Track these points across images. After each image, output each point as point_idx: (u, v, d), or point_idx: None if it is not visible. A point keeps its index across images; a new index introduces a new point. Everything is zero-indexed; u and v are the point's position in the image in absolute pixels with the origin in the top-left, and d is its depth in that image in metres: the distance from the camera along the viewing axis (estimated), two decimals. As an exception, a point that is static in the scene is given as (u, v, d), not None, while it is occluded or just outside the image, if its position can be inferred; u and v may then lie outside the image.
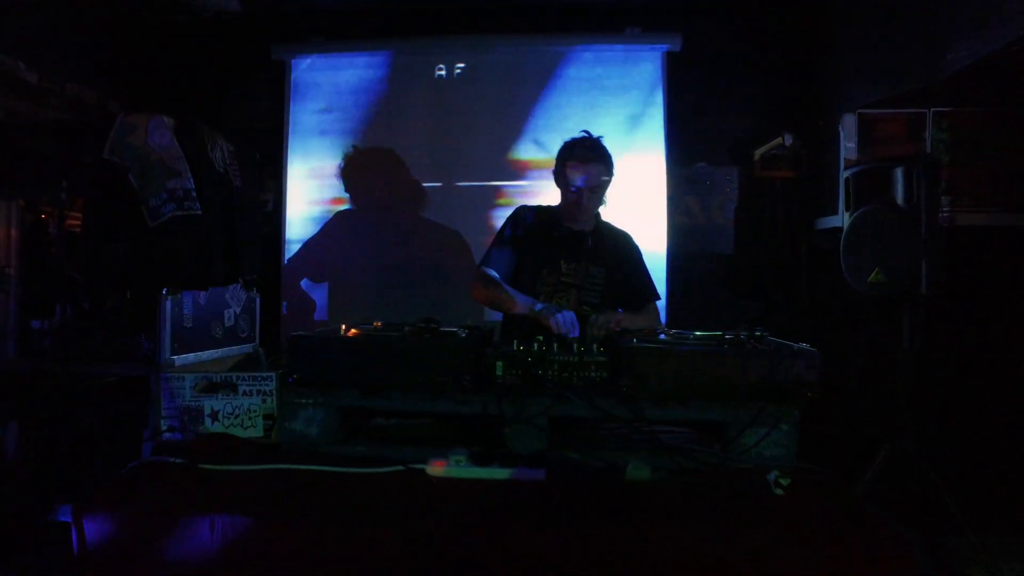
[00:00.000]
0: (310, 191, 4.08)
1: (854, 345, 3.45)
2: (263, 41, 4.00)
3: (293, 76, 4.05)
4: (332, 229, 4.07)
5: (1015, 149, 3.18)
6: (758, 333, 1.83)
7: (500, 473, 1.58)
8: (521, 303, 2.33)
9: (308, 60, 4.02)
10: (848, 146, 3.32)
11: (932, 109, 3.23)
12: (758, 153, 3.74)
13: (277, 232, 4.06)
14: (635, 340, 1.83)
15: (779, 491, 1.51)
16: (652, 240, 3.80)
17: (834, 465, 1.79)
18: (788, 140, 3.68)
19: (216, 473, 1.60)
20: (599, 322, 2.18)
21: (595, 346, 1.84)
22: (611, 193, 2.58)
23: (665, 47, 3.80)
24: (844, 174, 3.13)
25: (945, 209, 3.27)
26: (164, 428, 1.83)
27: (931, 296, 2.69)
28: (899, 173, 2.77)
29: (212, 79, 4.13)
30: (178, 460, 1.66)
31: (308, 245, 4.08)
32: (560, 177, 2.46)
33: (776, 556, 1.26)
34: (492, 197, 3.94)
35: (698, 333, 1.94)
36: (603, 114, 3.89)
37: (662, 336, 1.91)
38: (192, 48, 4.08)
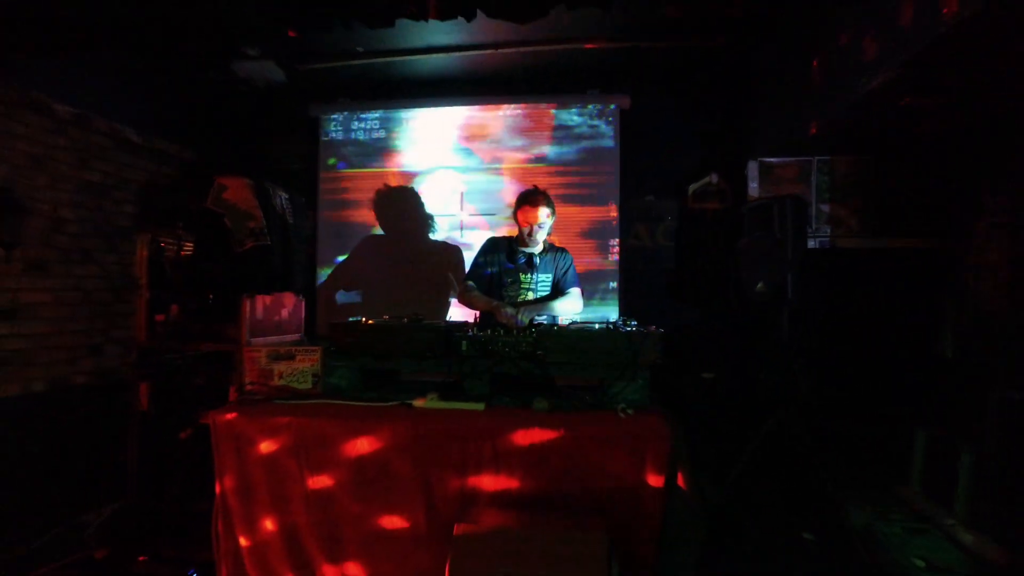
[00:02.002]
0: (338, 220, 5.16)
1: (765, 339, 4.39)
2: (302, 102, 5.09)
3: (325, 128, 5.16)
4: (361, 249, 5.13)
5: (876, 187, 4.13)
6: (628, 321, 2.83)
7: (458, 405, 2.59)
8: (486, 304, 3.37)
9: (337, 116, 5.13)
10: (752, 186, 4.31)
11: (816, 157, 4.21)
12: (692, 189, 4.71)
13: (312, 252, 5.11)
14: (555, 327, 2.84)
15: (622, 415, 2.49)
16: (608, 258, 4.82)
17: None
18: (715, 179, 4.65)
19: (284, 405, 2.63)
20: (528, 311, 3.21)
21: (529, 330, 2.86)
22: (558, 224, 3.62)
23: (618, 105, 4.83)
24: (744, 209, 4.10)
25: (828, 235, 4.23)
26: (247, 383, 2.88)
27: (795, 302, 3.65)
28: (775, 209, 3.73)
29: (263, 131, 5.22)
30: (259, 398, 2.71)
31: (344, 263, 5.15)
32: (517, 217, 3.48)
33: (598, 438, 2.25)
34: (487, 223, 4.98)
35: (597, 324, 2.94)
36: (570, 157, 4.91)
37: (569, 323, 2.92)
38: (248, 109, 5.19)
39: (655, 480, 2.20)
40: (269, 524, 2.40)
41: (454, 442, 2.30)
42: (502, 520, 2.12)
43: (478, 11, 2.46)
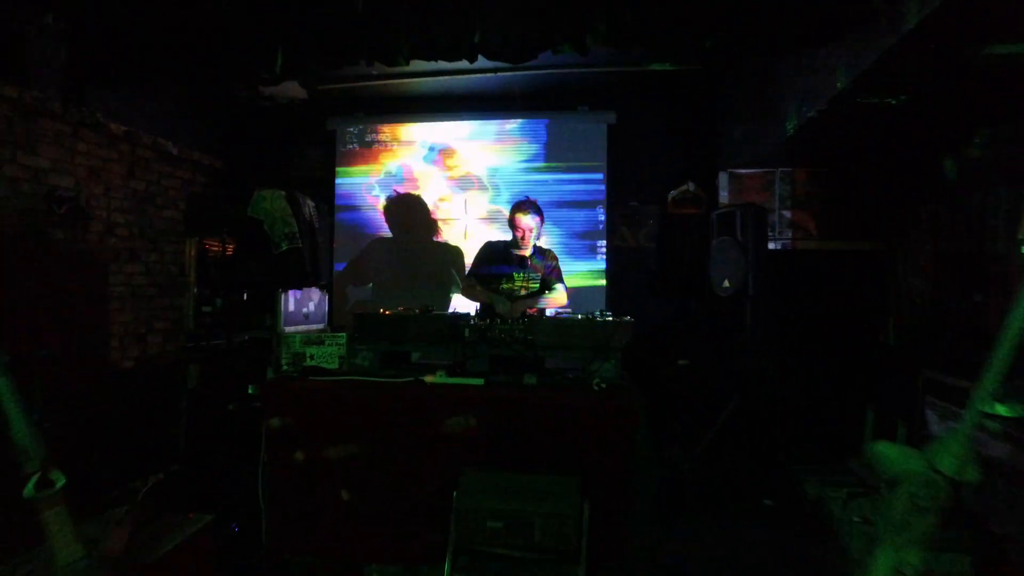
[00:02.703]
0: (352, 222, 5.70)
1: (733, 330, 4.92)
2: (320, 116, 5.63)
3: (341, 139, 5.71)
4: (372, 249, 5.67)
5: (831, 196, 4.66)
6: (605, 313, 3.36)
7: (462, 381, 3.12)
8: (486, 298, 3.91)
9: (352, 129, 5.67)
10: (723, 194, 4.83)
11: (779, 169, 4.73)
12: (671, 196, 5.23)
13: (330, 250, 5.66)
14: (543, 317, 3.38)
15: (597, 388, 3.02)
16: (596, 258, 5.36)
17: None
18: (692, 187, 5.17)
19: (316, 381, 3.17)
20: (521, 304, 3.77)
21: (522, 319, 3.39)
22: (552, 226, 4.15)
23: (606, 121, 5.37)
24: (713, 215, 4.63)
25: (789, 238, 4.76)
26: (284, 363, 3.42)
27: (756, 296, 4.18)
28: (738, 216, 4.26)
29: (285, 143, 5.75)
30: (295, 375, 3.25)
31: (356, 260, 5.69)
32: (511, 224, 4.02)
33: (576, 406, 2.79)
34: (487, 227, 5.52)
35: (579, 315, 3.48)
36: (562, 167, 5.45)
37: (555, 314, 3.45)
38: (273, 122, 5.73)
39: (622, 438, 2.74)
40: (302, 455, 2.95)
41: (458, 408, 2.85)
42: (497, 466, 2.66)
43: (479, 55, 2.99)
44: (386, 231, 5.66)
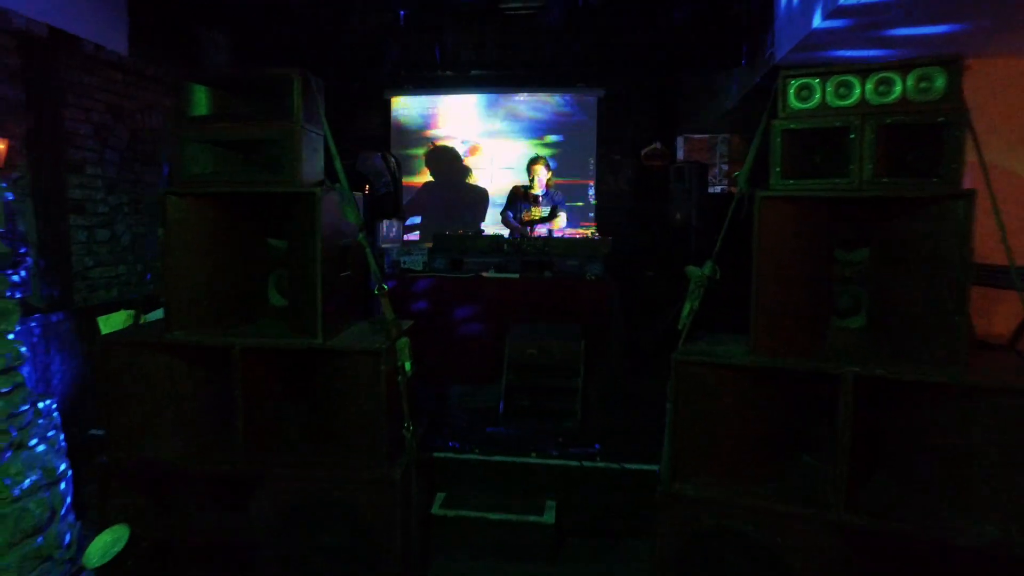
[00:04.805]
0: (406, 172, 7.40)
1: (683, 249, 6.75)
2: (378, 87, 7.25)
3: (395, 107, 7.37)
4: (422, 191, 7.38)
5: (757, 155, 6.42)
6: (594, 233, 5.18)
7: (505, 275, 4.95)
8: (515, 223, 5.73)
9: (402, 99, 7.32)
10: (679, 152, 6.59)
11: (720, 135, 6.48)
12: (643, 152, 6.96)
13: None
14: (554, 236, 5.21)
15: (590, 279, 4.87)
16: (588, 198, 7.13)
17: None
18: (659, 146, 6.89)
19: (412, 275, 4.99)
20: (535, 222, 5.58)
21: (540, 237, 5.21)
22: (557, 171, 5.93)
23: (597, 94, 7.05)
24: (671, 167, 6.39)
25: (726, 185, 6.55)
26: (387, 266, 5.23)
27: (698, 227, 6.00)
28: (686, 170, 6.04)
29: (349, 109, 7.40)
30: (394, 274, 5.06)
31: (411, 201, 7.43)
32: (528, 172, 5.77)
33: (577, 287, 4.65)
34: (508, 175, 7.26)
35: (578, 236, 5.29)
36: (565, 129, 7.15)
37: (562, 233, 5.27)
38: (338, 92, 7.36)
39: (603, 305, 4.61)
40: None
41: (505, 290, 4.70)
42: (531, 321, 4.54)
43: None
44: (432, 178, 7.41)
